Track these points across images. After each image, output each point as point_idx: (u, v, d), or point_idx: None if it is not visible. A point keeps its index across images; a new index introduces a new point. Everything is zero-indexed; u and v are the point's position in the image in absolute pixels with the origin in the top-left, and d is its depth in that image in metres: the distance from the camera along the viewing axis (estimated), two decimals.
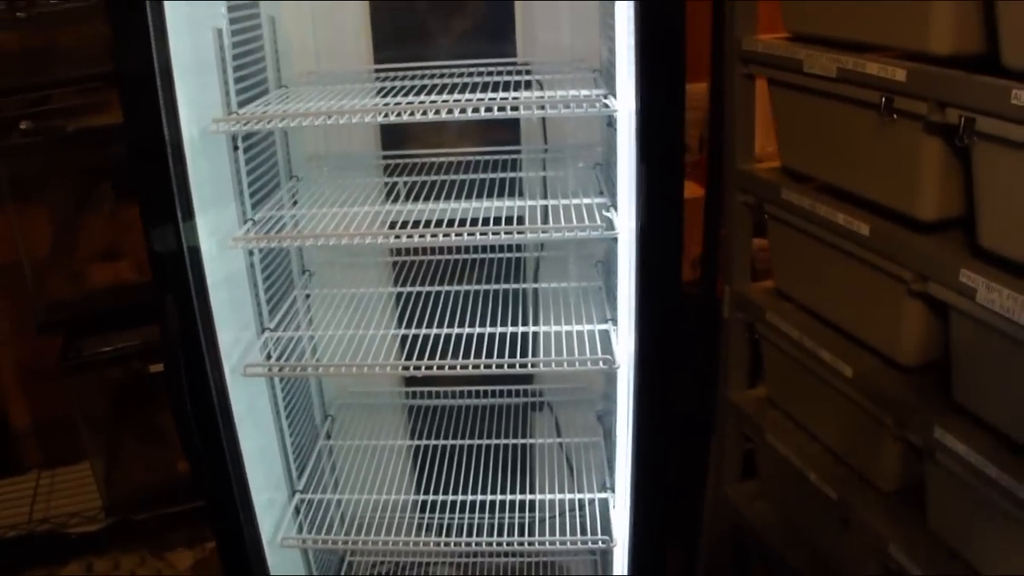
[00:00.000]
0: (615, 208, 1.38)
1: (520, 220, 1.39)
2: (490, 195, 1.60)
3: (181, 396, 1.27)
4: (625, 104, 1.21)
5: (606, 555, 1.82)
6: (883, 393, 1.51)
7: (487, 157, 1.72)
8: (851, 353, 1.60)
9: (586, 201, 1.47)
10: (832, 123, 1.61)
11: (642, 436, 1.35)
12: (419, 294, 1.71)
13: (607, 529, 1.58)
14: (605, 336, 1.50)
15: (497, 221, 1.37)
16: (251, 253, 1.48)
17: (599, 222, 1.34)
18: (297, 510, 1.64)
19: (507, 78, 1.49)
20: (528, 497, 1.69)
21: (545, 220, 1.42)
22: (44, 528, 2.39)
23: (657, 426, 1.33)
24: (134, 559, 2.54)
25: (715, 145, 1.93)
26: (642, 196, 1.19)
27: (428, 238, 1.34)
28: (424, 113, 1.28)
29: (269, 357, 1.48)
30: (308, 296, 1.76)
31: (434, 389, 1.94)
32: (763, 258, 2.05)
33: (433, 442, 1.87)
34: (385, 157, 1.75)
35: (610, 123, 1.38)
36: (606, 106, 1.26)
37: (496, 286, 1.74)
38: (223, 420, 1.33)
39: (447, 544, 1.57)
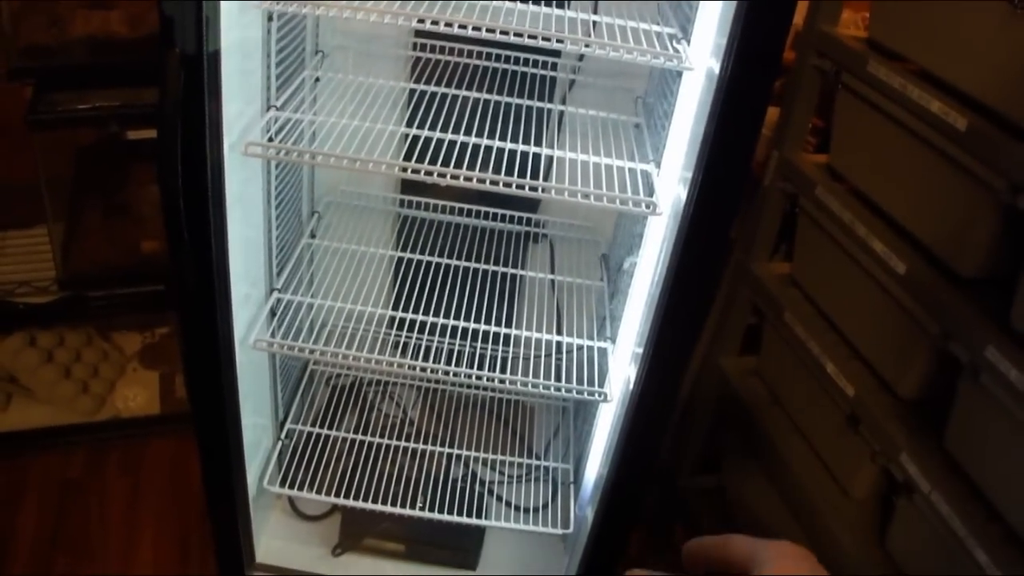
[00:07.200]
0: (687, 40, 1.19)
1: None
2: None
3: (173, 169, 1.08)
4: None
5: (584, 407, 1.73)
6: (934, 299, 1.38)
7: None
8: (904, 251, 1.46)
9: (650, 27, 1.26)
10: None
11: (675, 291, 1.18)
12: (435, 95, 1.51)
13: (603, 381, 1.47)
14: (646, 177, 1.33)
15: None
16: (270, 18, 1.26)
17: (669, 50, 1.15)
18: (273, 312, 1.49)
19: None
20: (514, 332, 1.55)
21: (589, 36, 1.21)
22: None
23: (693, 284, 1.16)
24: (80, 337, 2.39)
25: None
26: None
27: (456, 27, 1.13)
28: None
29: (272, 139, 1.29)
30: (317, 80, 1.55)
31: (429, 200, 1.78)
32: None
33: (419, 256, 1.73)
34: None
35: None
36: None
37: (522, 100, 1.55)
38: (214, 202, 1.14)
39: (422, 369, 1.44)
